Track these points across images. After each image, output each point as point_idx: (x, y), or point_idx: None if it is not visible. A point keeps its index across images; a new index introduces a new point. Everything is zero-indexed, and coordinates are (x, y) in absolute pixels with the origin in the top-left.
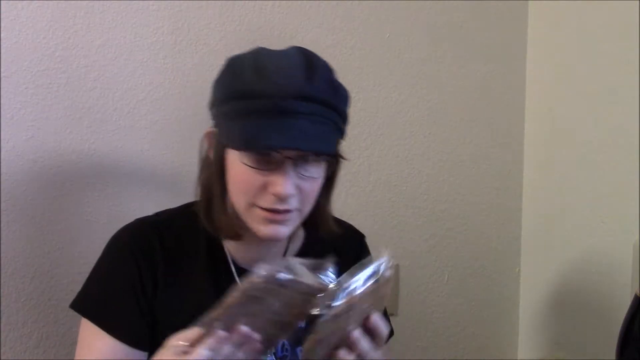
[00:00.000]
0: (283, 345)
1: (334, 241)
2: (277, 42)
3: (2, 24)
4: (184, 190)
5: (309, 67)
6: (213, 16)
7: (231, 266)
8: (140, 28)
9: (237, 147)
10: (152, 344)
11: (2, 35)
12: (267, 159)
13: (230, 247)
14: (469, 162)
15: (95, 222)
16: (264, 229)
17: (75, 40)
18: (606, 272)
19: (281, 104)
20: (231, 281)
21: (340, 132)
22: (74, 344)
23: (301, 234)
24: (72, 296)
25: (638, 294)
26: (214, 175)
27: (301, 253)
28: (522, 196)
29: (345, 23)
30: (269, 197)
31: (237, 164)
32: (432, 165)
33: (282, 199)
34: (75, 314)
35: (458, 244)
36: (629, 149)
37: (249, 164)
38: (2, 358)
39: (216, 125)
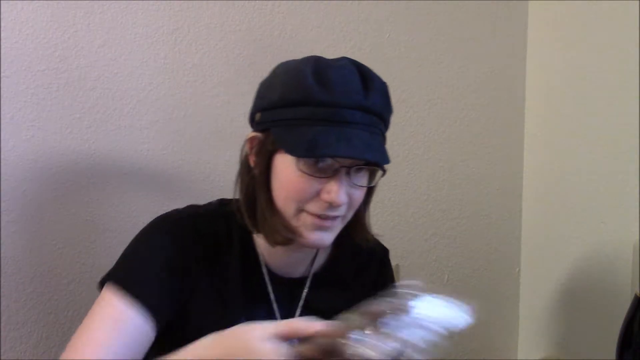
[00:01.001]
0: None
1: (360, 252)
2: (277, 42)
3: (2, 24)
4: (184, 190)
5: (364, 77)
6: (213, 16)
7: (263, 269)
8: (140, 28)
9: (298, 154)
10: (171, 340)
11: (2, 35)
12: (323, 166)
13: (263, 250)
14: (469, 162)
15: (95, 222)
16: (311, 235)
17: (75, 40)
18: (606, 272)
19: (344, 113)
20: (262, 284)
21: (385, 141)
22: None
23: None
24: (72, 296)
25: (638, 294)
26: (259, 180)
27: (330, 261)
28: (522, 196)
29: (345, 23)
30: (320, 203)
31: (291, 170)
32: (432, 165)
33: (334, 206)
34: (74, 314)
35: (458, 244)
36: (629, 149)
37: (306, 170)
38: (2, 358)
39: (264, 130)
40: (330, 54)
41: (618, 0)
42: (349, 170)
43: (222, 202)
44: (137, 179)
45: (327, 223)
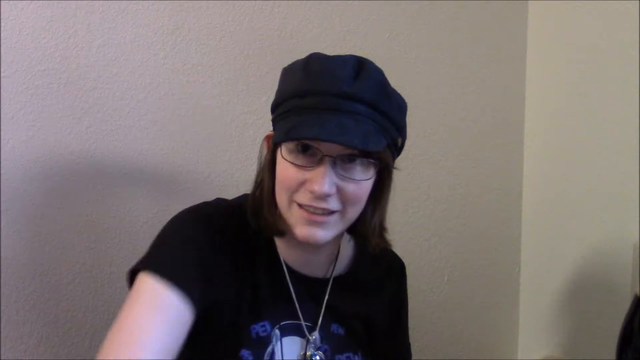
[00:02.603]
0: (325, 350)
1: (384, 266)
2: (277, 42)
3: (2, 24)
4: (184, 190)
5: (359, 68)
6: (213, 16)
7: (284, 267)
8: (140, 28)
9: (277, 139)
10: (198, 333)
11: (2, 35)
12: (307, 156)
13: (282, 249)
14: (469, 162)
15: (95, 222)
16: (302, 230)
17: (75, 40)
18: (606, 272)
19: (328, 101)
20: (284, 283)
21: (390, 138)
22: (73, 344)
23: (351, 243)
24: (71, 296)
25: (638, 294)
26: (265, 173)
27: (351, 266)
28: (522, 196)
29: (345, 23)
30: (307, 193)
31: (282, 161)
32: (432, 165)
33: (318, 196)
34: (74, 314)
35: (458, 244)
36: (629, 149)
37: (289, 158)
38: (2, 358)
39: (273, 127)
40: (330, 54)
41: (618, 0)
42: (335, 161)
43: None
44: (137, 179)
45: (317, 218)
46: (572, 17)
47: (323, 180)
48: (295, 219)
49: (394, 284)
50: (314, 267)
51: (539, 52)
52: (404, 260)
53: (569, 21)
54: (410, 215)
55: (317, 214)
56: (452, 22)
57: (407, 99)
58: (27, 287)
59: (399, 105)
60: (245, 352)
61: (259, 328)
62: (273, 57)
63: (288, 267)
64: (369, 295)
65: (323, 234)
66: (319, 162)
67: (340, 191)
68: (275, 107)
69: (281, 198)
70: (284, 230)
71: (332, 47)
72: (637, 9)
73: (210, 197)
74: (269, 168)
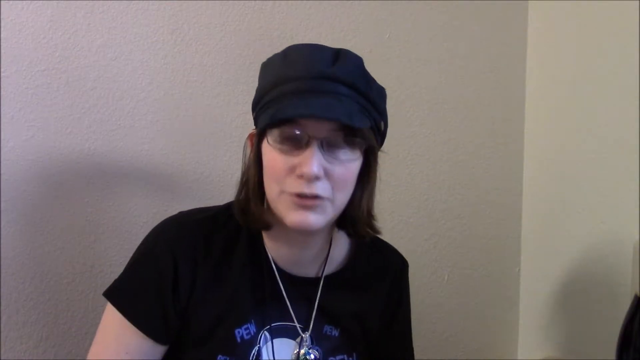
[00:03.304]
0: (318, 352)
1: (380, 263)
2: (277, 42)
3: (2, 24)
4: (184, 190)
5: (337, 53)
6: (213, 16)
7: (273, 267)
8: (140, 28)
9: (262, 124)
10: (180, 340)
11: (2, 35)
12: (294, 142)
13: (271, 249)
14: (469, 162)
15: (95, 222)
16: (292, 215)
17: (75, 40)
18: (606, 272)
19: (308, 84)
20: (274, 284)
21: (372, 120)
22: (73, 344)
23: (344, 241)
24: (71, 296)
25: (638, 294)
26: (251, 169)
27: (344, 264)
28: (522, 196)
29: (345, 23)
30: (296, 180)
31: (268, 151)
32: (432, 165)
33: (308, 179)
34: (74, 314)
35: (458, 244)
36: (629, 149)
37: (275, 145)
38: (2, 358)
39: (255, 124)
40: None
41: (618, 0)
42: (322, 143)
43: (230, 204)
44: (137, 179)
45: (308, 202)
46: (572, 17)
47: (312, 161)
48: (285, 206)
49: (392, 282)
50: (305, 266)
51: (539, 52)
52: None
53: (569, 21)
54: (410, 215)
55: (307, 198)
56: (452, 22)
57: (407, 99)
58: (27, 287)
59: (378, 90)
60: (221, 358)
61: (243, 331)
62: None
63: (278, 268)
64: (363, 294)
65: (315, 219)
66: (306, 145)
67: (328, 175)
68: (256, 104)
69: (271, 190)
70: (271, 223)
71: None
72: (637, 9)
73: (210, 197)
74: (255, 163)
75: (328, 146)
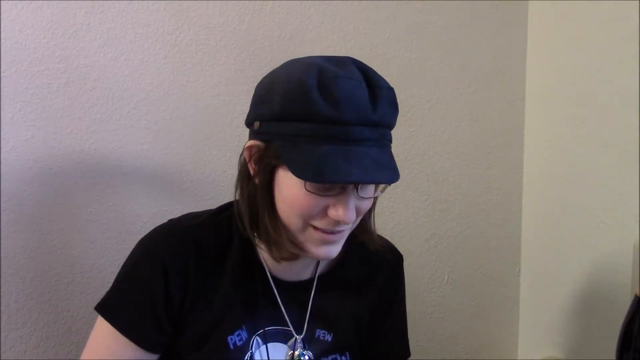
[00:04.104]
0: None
1: (373, 259)
2: (277, 42)
3: (2, 24)
4: (184, 190)
5: (373, 89)
6: (213, 16)
7: (268, 275)
8: (140, 28)
9: (306, 178)
10: (173, 349)
11: (2, 35)
12: (331, 185)
13: (265, 256)
14: (469, 162)
15: (95, 222)
16: (318, 250)
17: (75, 40)
18: (606, 272)
19: (352, 131)
20: (268, 289)
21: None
22: (73, 344)
23: None
24: (71, 296)
25: (638, 294)
26: (261, 192)
27: (338, 265)
28: (522, 196)
29: (345, 23)
30: (328, 219)
31: (296, 188)
32: (432, 165)
33: (343, 223)
34: (74, 314)
35: (458, 244)
36: (629, 149)
37: (313, 190)
38: (2, 358)
39: (265, 140)
40: (330, 54)
41: (618, 0)
42: (357, 186)
43: (221, 209)
44: (137, 179)
45: (335, 237)
46: (572, 17)
47: (348, 209)
48: (310, 240)
49: (386, 277)
50: (299, 271)
51: (539, 52)
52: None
53: (569, 21)
54: (410, 215)
55: (335, 233)
56: (452, 22)
57: (407, 99)
58: (27, 287)
59: (398, 114)
60: None
61: (235, 338)
62: (273, 57)
63: (271, 273)
64: (357, 291)
65: (337, 249)
66: (341, 189)
67: (356, 210)
68: (270, 120)
69: (293, 222)
70: (297, 253)
71: (332, 47)
72: (637, 9)
73: (210, 197)
74: (265, 188)
75: (361, 187)
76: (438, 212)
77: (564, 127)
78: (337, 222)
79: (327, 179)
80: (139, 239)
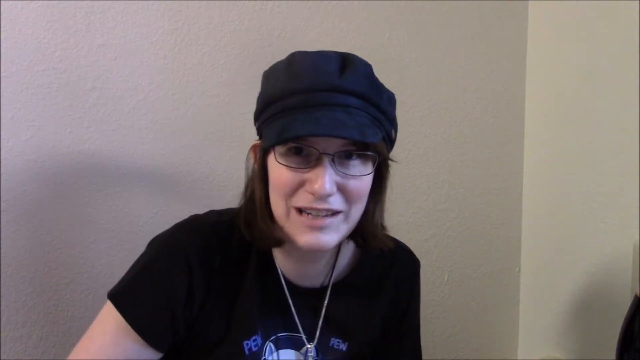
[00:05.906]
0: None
1: (388, 263)
2: (277, 42)
3: (2, 24)
4: (184, 190)
5: (344, 61)
6: (213, 16)
7: (281, 279)
8: (140, 28)
9: (269, 143)
10: (180, 351)
11: (2, 35)
12: (303, 157)
13: (280, 261)
14: (469, 162)
15: (95, 222)
16: (304, 238)
17: (75, 40)
18: (606, 272)
19: (316, 97)
20: (282, 296)
21: (383, 130)
22: (74, 344)
23: (350, 247)
24: (71, 296)
25: (638, 294)
26: (256, 184)
27: (352, 271)
28: (522, 196)
29: (345, 23)
30: (305, 195)
31: (276, 167)
32: (432, 165)
33: (320, 197)
34: (74, 314)
35: (458, 244)
36: (629, 149)
37: (284, 162)
38: (2, 358)
39: (260, 135)
40: None
41: (618, 0)
42: (333, 158)
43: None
44: (137, 179)
45: (319, 222)
46: (572, 17)
47: (324, 179)
48: (295, 227)
49: (401, 283)
50: (314, 277)
51: (539, 52)
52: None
53: (569, 21)
54: (410, 215)
55: (319, 217)
56: (452, 22)
57: (407, 99)
58: (27, 287)
59: (389, 97)
60: None
61: (251, 343)
62: (273, 57)
63: (285, 279)
64: (371, 298)
65: (328, 239)
66: (316, 161)
67: (342, 190)
68: (259, 114)
69: (278, 206)
70: (281, 240)
71: (332, 47)
72: (637, 9)
73: (210, 197)
74: (259, 178)
75: (339, 161)
76: (438, 212)
77: (564, 126)
78: (315, 197)
79: (281, 138)
80: (139, 239)
